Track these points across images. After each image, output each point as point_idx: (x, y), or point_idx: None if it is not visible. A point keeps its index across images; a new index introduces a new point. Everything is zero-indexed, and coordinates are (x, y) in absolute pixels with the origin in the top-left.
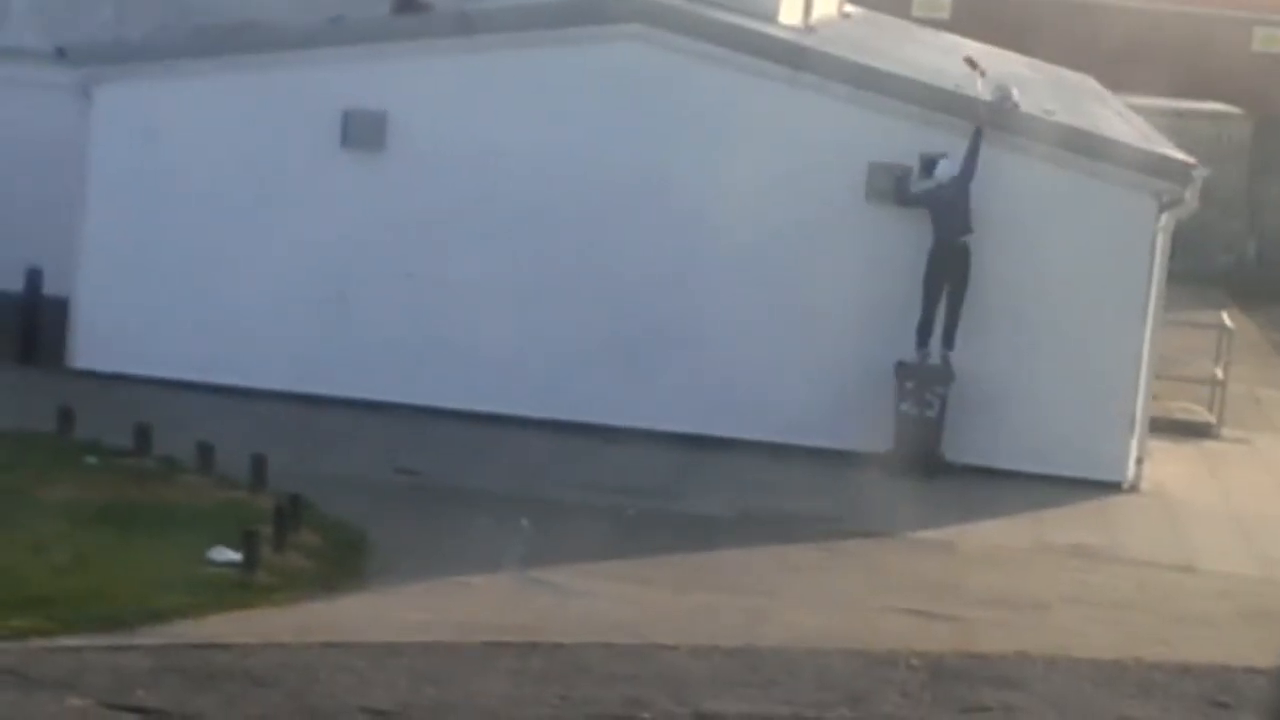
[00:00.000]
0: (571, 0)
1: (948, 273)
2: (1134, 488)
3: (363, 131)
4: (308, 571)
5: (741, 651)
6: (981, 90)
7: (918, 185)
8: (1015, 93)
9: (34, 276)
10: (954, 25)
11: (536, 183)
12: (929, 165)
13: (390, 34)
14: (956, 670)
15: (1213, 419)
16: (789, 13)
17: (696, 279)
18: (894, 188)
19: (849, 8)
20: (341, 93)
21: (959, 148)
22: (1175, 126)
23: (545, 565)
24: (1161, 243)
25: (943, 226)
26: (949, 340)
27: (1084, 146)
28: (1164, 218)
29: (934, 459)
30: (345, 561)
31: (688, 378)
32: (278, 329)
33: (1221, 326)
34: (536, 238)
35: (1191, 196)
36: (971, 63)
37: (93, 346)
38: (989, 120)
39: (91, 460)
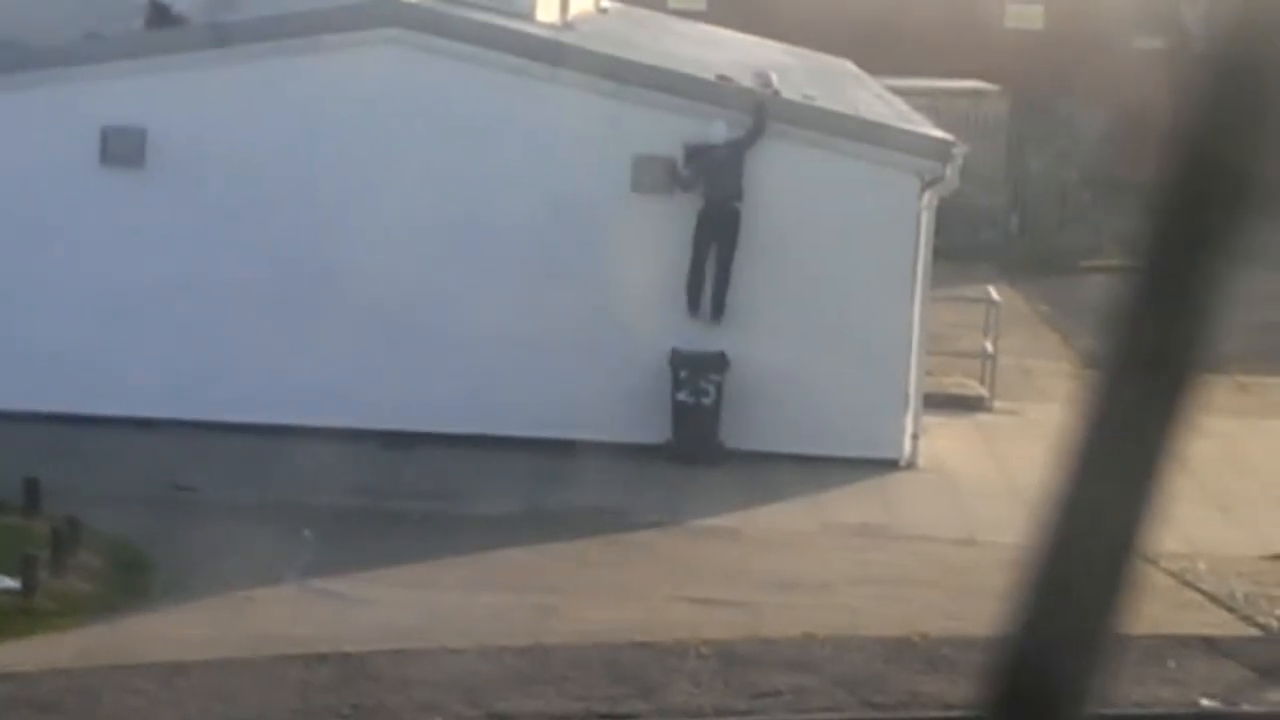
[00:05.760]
0: (326, 8)
1: (716, 234)
2: (911, 464)
3: (122, 148)
4: (89, 594)
5: (532, 650)
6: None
7: (688, 163)
8: (775, 79)
9: None
10: (711, 16)
11: (300, 191)
12: (693, 154)
13: (146, 49)
14: (747, 656)
15: (985, 392)
16: (546, 10)
17: (468, 279)
18: (671, 179)
19: (605, 2)
20: (99, 110)
21: (723, 138)
22: (934, 106)
23: (330, 574)
24: (926, 220)
25: (714, 188)
26: (718, 308)
27: (845, 129)
28: (927, 195)
29: (713, 446)
30: (127, 582)
31: (465, 379)
32: (45, 349)
33: (989, 300)
34: (302, 246)
35: (953, 174)
36: (725, 79)
37: None
38: (768, 111)
39: None
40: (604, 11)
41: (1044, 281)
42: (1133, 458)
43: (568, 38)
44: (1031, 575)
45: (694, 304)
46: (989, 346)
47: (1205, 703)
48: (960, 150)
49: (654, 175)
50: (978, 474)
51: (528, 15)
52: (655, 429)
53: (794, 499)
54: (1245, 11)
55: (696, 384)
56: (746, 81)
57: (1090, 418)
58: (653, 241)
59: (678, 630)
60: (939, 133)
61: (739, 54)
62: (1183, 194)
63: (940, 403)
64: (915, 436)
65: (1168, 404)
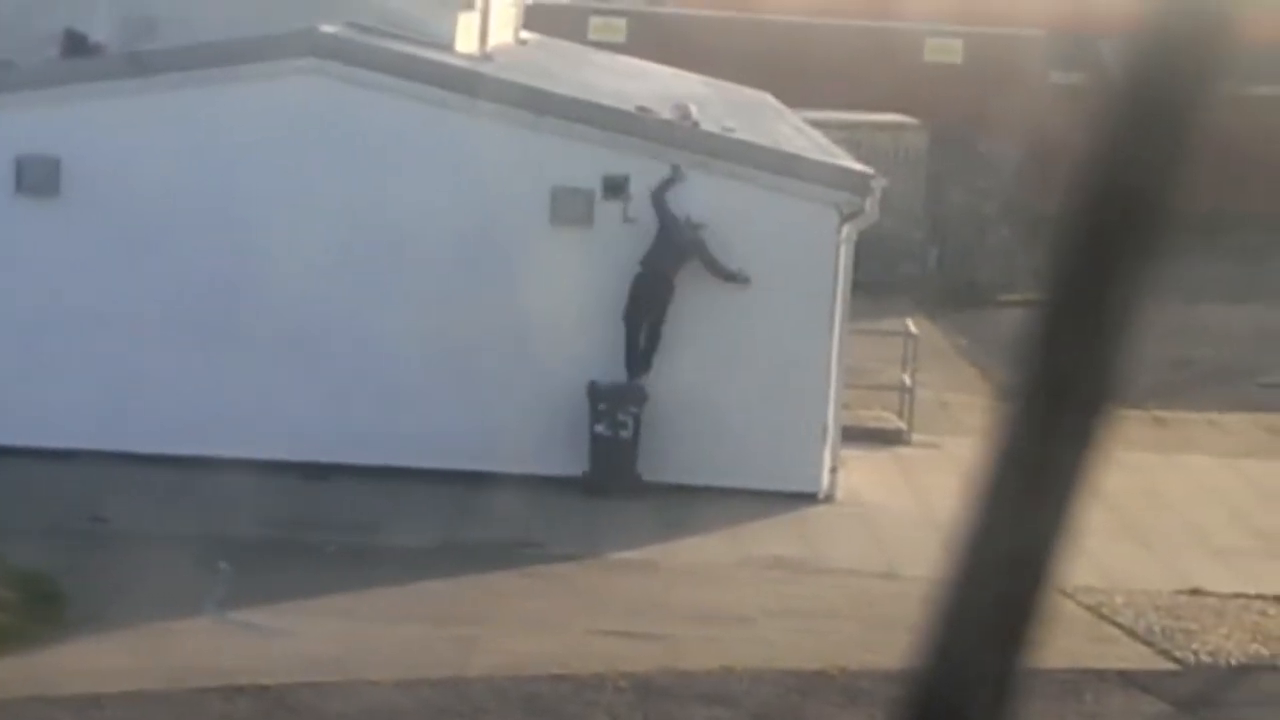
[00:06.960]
0: (244, 37)
1: (653, 301)
2: (829, 497)
3: (36, 177)
4: (2, 626)
5: (449, 682)
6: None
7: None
8: (694, 110)
9: None
10: (630, 48)
11: (217, 221)
12: (614, 186)
13: (62, 78)
14: (664, 689)
15: (903, 425)
16: (465, 41)
17: (386, 310)
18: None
19: (525, 34)
20: (14, 139)
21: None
22: (853, 139)
23: (247, 606)
24: (845, 253)
25: (658, 256)
26: (646, 363)
27: (764, 162)
28: (846, 229)
29: (631, 479)
30: (42, 614)
31: (383, 411)
32: None
33: (907, 334)
34: (220, 276)
35: (872, 207)
36: (645, 110)
37: None
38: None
39: None
40: (523, 43)
41: (962, 315)
42: (1042, 489)
43: (487, 69)
44: (941, 607)
45: (634, 373)
46: (907, 380)
47: None
48: (879, 183)
49: (574, 208)
50: (897, 507)
51: (447, 46)
52: (573, 461)
53: (712, 532)
54: (1160, 45)
55: (615, 416)
56: (666, 113)
57: (999, 448)
58: (572, 273)
59: (595, 663)
60: (858, 166)
61: (658, 86)
62: (1093, 225)
63: (859, 436)
64: (834, 470)
65: (1077, 434)
